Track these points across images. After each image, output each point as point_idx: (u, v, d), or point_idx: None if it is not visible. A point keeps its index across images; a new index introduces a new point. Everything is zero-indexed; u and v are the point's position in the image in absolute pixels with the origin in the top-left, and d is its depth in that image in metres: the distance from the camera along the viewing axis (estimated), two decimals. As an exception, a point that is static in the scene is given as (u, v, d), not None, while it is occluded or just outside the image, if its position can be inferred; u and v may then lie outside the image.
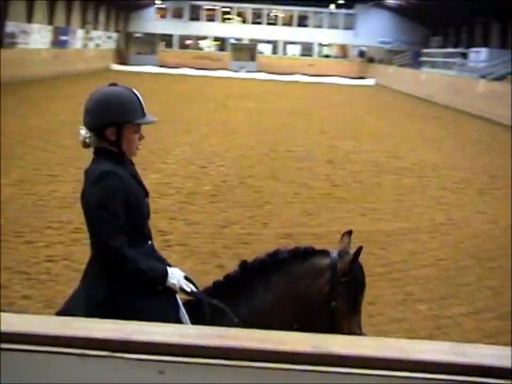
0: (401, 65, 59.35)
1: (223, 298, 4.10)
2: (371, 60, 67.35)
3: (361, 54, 69.53)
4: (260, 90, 42.62)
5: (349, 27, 70.56)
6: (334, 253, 4.17)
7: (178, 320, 3.90)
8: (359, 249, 4.09)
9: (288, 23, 71.69)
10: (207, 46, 72.31)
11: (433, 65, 50.70)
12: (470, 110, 33.22)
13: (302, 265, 4.12)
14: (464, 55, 45.72)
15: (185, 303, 4.14)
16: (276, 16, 72.10)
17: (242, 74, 58.65)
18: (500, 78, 37.69)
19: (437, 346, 2.43)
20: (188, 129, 21.97)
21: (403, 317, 7.87)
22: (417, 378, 2.19)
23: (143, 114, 3.92)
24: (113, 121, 3.80)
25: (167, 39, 70.87)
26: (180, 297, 4.13)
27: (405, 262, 9.89)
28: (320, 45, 71.91)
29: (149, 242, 4.06)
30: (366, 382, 2.09)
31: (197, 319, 3.96)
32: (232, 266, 9.03)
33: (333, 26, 71.07)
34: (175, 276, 3.97)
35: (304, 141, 21.05)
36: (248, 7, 71.26)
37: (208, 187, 13.84)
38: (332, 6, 70.43)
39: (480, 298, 8.65)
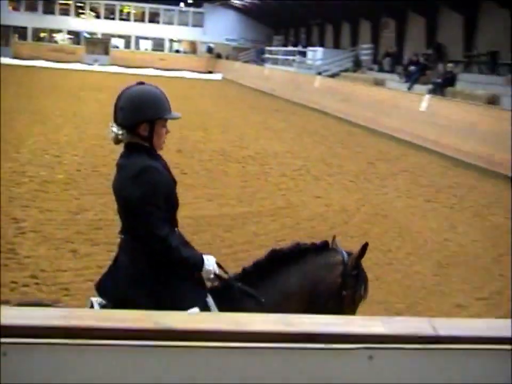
0: (246, 62, 59.88)
1: (252, 283, 4.31)
2: (218, 56, 67.55)
3: (209, 50, 69.58)
4: (113, 82, 41.79)
5: (197, 25, 70.46)
6: (343, 250, 4.62)
7: (206, 305, 4.04)
8: (365, 246, 4.56)
9: (140, 19, 70.92)
10: (62, 39, 70.49)
11: (275, 62, 51.38)
12: (308, 103, 33.97)
13: (319, 259, 4.50)
14: (303, 54, 46.57)
15: (212, 289, 4.27)
16: (129, 12, 71.20)
17: (96, 67, 57.51)
18: (334, 75, 38.85)
19: (267, 317, 2.53)
20: (42, 120, 21.31)
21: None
22: (250, 348, 2.28)
23: (170, 110, 4.10)
24: (147, 118, 3.91)
25: (21, 32, 68.52)
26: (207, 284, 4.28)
27: (249, 243, 10.07)
28: (171, 40, 71.51)
29: (176, 229, 4.14)
30: (204, 354, 2.16)
31: (225, 303, 4.13)
32: (85, 251, 9.06)
33: (183, 23, 70.76)
34: (211, 263, 4.11)
35: (154, 131, 20.90)
36: (101, 3, 70.00)
37: (61, 176, 13.52)
38: (182, 4, 70.22)
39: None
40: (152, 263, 3.89)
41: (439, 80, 25.92)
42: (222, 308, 4.08)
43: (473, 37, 31.10)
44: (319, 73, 39.09)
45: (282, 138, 21.98)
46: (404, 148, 21.88)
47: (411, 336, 2.61)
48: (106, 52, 66.41)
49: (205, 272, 4.09)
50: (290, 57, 47.89)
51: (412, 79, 29.29)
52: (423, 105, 23.77)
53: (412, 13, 36.20)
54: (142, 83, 4.07)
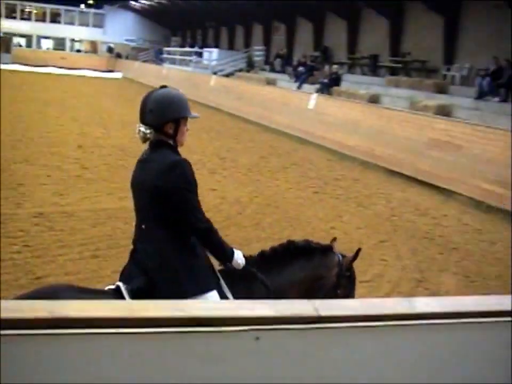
0: (145, 61, 59.22)
1: (265, 267, 4.47)
2: (118, 56, 66.56)
3: (110, 50, 68.47)
4: (15, 81, 40.82)
5: (98, 25, 69.21)
6: (339, 253, 4.89)
7: (221, 288, 4.16)
8: (358, 251, 4.90)
9: (41, 19, 69.18)
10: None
11: (173, 62, 51.02)
12: (205, 101, 33.90)
13: (322, 258, 4.77)
14: (199, 54, 46.49)
15: (221, 271, 4.39)
16: (30, 12, 69.31)
17: (-3, 65, 55.90)
18: (228, 75, 38.94)
19: (160, 304, 2.52)
20: None
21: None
22: (143, 333, 2.26)
23: (190, 110, 4.21)
24: (173, 117, 4.05)
25: None
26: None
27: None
28: (72, 40, 70.10)
29: None
30: (98, 340, 2.13)
31: (235, 286, 4.30)
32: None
33: (84, 24, 69.35)
34: (240, 257, 4.30)
35: (56, 127, 20.42)
36: (2, 2, 67.90)
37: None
38: (82, 6, 68.96)
39: (211, 262, 8.95)
40: (175, 250, 4.01)
41: (326, 80, 26.31)
42: (234, 290, 4.26)
43: (356, 41, 31.75)
44: (215, 73, 39.09)
45: (179, 134, 21.81)
46: (294, 143, 22.15)
47: (295, 317, 2.64)
48: (7, 50, 64.44)
49: (235, 263, 4.26)
50: (187, 58, 47.68)
51: (300, 79, 29.62)
52: (311, 103, 24.09)
53: (301, 18, 36.61)
54: (164, 86, 4.20)
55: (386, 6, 28.16)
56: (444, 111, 19.80)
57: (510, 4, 21.50)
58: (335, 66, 27.75)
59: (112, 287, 4.07)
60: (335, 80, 26.20)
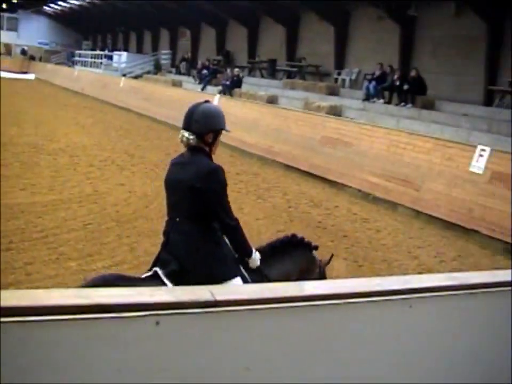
0: (58, 63, 57.82)
1: (269, 255, 4.80)
2: (32, 58, 64.69)
3: (23, 52, 66.45)
4: None
5: (12, 29, 67.21)
6: (317, 257, 5.34)
7: (243, 274, 4.39)
8: (331, 257, 5.50)
9: (-45, 22, 66.70)
10: None
11: (85, 64, 50.00)
12: (114, 101, 33.41)
13: (309, 254, 5.24)
14: (109, 57, 45.74)
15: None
16: None
17: None
18: (137, 77, 38.47)
19: (65, 292, 2.46)
20: None
21: (56, 273, 7.74)
22: (48, 320, 2.20)
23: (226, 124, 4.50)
24: (215, 128, 4.36)
25: None
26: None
27: (58, 228, 9.70)
28: (-14, 43, 67.91)
29: None
30: (7, 331, 2.06)
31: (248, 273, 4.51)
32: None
33: (-2, 27, 67.40)
34: (258, 257, 4.55)
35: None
36: None
37: None
38: (-3, 10, 66.89)
39: (119, 253, 8.80)
40: (206, 241, 4.24)
41: (228, 83, 26.33)
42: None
43: (256, 46, 31.93)
44: (124, 75, 38.53)
45: (90, 132, 21.46)
46: (199, 141, 22.02)
47: (193, 302, 2.62)
48: None
49: (252, 261, 4.50)
50: (98, 60, 46.87)
51: (204, 81, 29.56)
52: (215, 103, 24.03)
53: (205, 24, 36.54)
54: (207, 101, 4.55)
55: (283, 15, 28.44)
56: (335, 111, 20.16)
57: (391, 16, 22.06)
58: (236, 69, 27.80)
59: (149, 273, 4.28)
60: (237, 83, 26.26)
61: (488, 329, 3.55)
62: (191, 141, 4.33)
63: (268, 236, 10.62)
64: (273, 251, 4.91)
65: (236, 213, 11.86)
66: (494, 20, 18.60)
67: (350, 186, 15.15)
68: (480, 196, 12.07)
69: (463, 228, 12.03)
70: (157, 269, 4.24)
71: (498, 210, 11.62)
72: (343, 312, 2.94)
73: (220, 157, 18.79)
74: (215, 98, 24.32)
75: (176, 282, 3.99)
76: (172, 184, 4.39)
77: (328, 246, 10.45)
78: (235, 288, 2.88)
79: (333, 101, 21.84)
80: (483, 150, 12.45)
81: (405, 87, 19.65)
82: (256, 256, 4.53)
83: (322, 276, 5.29)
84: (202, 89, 28.65)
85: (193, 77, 32.22)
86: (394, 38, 22.41)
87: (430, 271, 9.59)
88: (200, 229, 4.25)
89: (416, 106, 19.37)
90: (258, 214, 12.18)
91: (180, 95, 27.50)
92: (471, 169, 12.45)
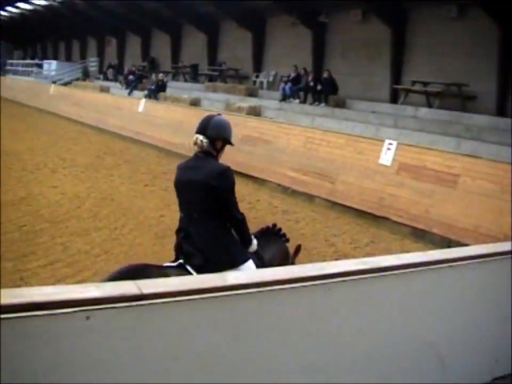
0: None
1: (263, 244, 5.12)
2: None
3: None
4: None
5: None
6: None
7: (252, 257, 4.67)
8: (300, 247, 5.82)
9: None
10: None
11: (16, 73, 48.71)
12: (45, 108, 32.67)
13: (285, 246, 5.65)
14: (40, 66, 44.63)
15: None
16: None
17: None
18: (66, 83, 37.64)
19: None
20: None
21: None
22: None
23: None
24: (225, 137, 4.62)
25: None
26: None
27: (-6, 230, 9.45)
28: None
29: None
30: None
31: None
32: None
33: None
34: (255, 244, 4.84)
35: None
36: None
37: None
38: None
39: (53, 252, 8.60)
40: (221, 232, 4.52)
41: (153, 87, 26.02)
42: None
43: (179, 52, 31.72)
44: (54, 82, 37.65)
45: (23, 138, 20.88)
46: (127, 143, 21.75)
47: (120, 296, 2.58)
48: None
49: (252, 246, 4.80)
50: (29, 69, 45.74)
51: (131, 86, 29.13)
52: (141, 107, 23.80)
53: (130, 33, 36.09)
54: (220, 114, 4.77)
55: (204, 23, 28.33)
56: (254, 112, 20.22)
57: (303, 23, 22.28)
58: (161, 74, 27.51)
59: (173, 264, 4.52)
60: (161, 87, 26.00)
61: (401, 311, 3.63)
62: (205, 143, 4.54)
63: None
64: (262, 238, 5.21)
65: (163, 210, 11.78)
66: (397, 24, 19.03)
67: (271, 181, 15.24)
68: (389, 186, 12.33)
69: (375, 216, 12.27)
70: (181, 261, 4.51)
71: (406, 198, 11.91)
72: (265, 299, 2.95)
73: (148, 157, 18.68)
74: (141, 102, 24.06)
75: (203, 272, 4.18)
76: (184, 185, 4.58)
77: (252, 238, 10.49)
78: (161, 281, 2.85)
79: (252, 102, 21.90)
80: (390, 143, 12.72)
81: (318, 87, 19.89)
82: (255, 242, 4.84)
83: (292, 263, 5.64)
84: (129, 94, 28.25)
85: (120, 82, 31.73)
86: (307, 43, 22.64)
87: (346, 256, 9.73)
88: (215, 223, 4.51)
89: (329, 105, 19.63)
90: (184, 210, 12.10)
91: (108, 100, 27.10)
92: (380, 161, 12.70)
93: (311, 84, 20.35)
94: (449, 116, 16.37)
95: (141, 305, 2.62)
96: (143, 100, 24.30)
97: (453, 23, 17.49)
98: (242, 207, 12.97)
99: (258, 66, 25.80)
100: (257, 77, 25.72)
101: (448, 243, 10.56)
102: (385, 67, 19.57)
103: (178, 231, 4.62)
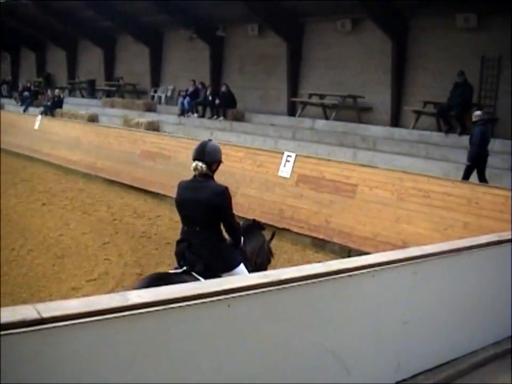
0: None
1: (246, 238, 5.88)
2: None
3: None
4: None
5: None
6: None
7: (241, 259, 5.45)
8: (274, 233, 7.01)
9: None
10: None
11: None
12: None
13: (262, 235, 6.55)
14: None
15: None
16: None
17: None
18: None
19: None
20: None
21: None
22: None
23: None
24: (219, 160, 5.27)
25: None
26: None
27: None
28: None
29: None
30: None
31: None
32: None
33: None
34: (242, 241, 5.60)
35: None
36: None
37: None
38: None
39: None
40: (220, 241, 5.24)
41: (49, 103, 25.35)
42: None
43: (75, 68, 31.06)
44: None
45: None
46: (23, 161, 21.03)
47: (20, 321, 2.51)
48: None
49: (240, 245, 5.56)
50: None
51: (26, 103, 28.27)
52: (37, 124, 23.14)
53: (24, 48, 35.05)
54: (210, 140, 5.41)
55: (100, 37, 27.91)
56: (153, 127, 20.10)
57: (201, 37, 22.37)
58: (57, 90, 26.83)
59: (178, 270, 5.17)
60: (58, 103, 25.36)
61: (302, 322, 3.69)
62: (204, 168, 5.14)
63: (95, 249, 10.43)
64: (244, 233, 5.80)
65: (63, 229, 11.51)
66: (293, 39, 19.37)
67: (171, 197, 15.13)
68: (289, 198, 12.52)
69: (276, 227, 12.42)
70: (185, 268, 5.14)
71: (306, 209, 12.12)
72: (165, 318, 2.93)
73: (45, 175, 18.15)
74: (37, 119, 23.40)
75: (205, 277, 4.81)
76: (187, 203, 5.19)
77: (153, 254, 10.41)
78: (61, 304, 2.78)
79: (151, 117, 21.74)
80: (289, 156, 12.93)
81: (217, 101, 20.00)
82: (242, 241, 5.59)
83: (270, 249, 6.61)
84: (25, 111, 27.38)
85: (15, 99, 30.76)
86: (205, 57, 22.72)
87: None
88: (215, 234, 5.20)
89: (228, 118, 19.78)
90: (84, 228, 11.87)
91: (3, 118, 26.14)
92: (280, 173, 12.89)
93: (210, 98, 20.44)
94: (346, 127, 16.86)
95: (41, 329, 2.56)
96: (39, 117, 23.62)
97: (347, 37, 18.04)
98: (143, 223, 12.91)
99: (156, 81, 25.66)
100: (155, 91, 25.57)
101: (349, 252, 10.85)
102: (282, 80, 19.92)
103: (179, 241, 5.31)
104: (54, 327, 2.57)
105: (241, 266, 5.31)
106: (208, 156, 5.18)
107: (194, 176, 5.21)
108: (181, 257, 5.25)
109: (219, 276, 4.77)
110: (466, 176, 11.36)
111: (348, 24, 17.86)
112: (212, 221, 5.16)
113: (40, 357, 2.55)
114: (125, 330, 2.81)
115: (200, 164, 5.14)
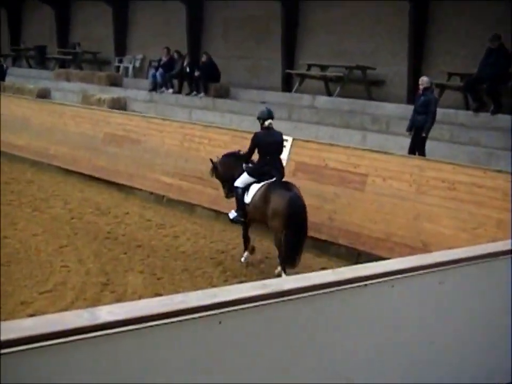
0: None
1: None
2: None
3: None
4: None
5: None
6: None
7: None
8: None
9: None
10: None
11: None
12: None
13: None
14: None
15: None
16: None
17: None
18: None
19: None
20: None
21: None
22: None
23: None
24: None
25: None
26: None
27: None
28: None
29: None
30: None
31: None
32: None
33: None
34: None
35: None
36: None
37: None
38: None
39: None
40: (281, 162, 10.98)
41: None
42: None
43: (20, 31, 30.94)
44: None
45: None
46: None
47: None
48: None
49: None
50: None
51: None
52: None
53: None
54: (264, 102, 10.31)
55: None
56: (118, 105, 20.06)
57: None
58: (-1, 59, 26.78)
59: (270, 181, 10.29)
60: (0, 74, 25.27)
61: (309, 337, 3.69)
62: (272, 122, 10.44)
63: (49, 253, 10.40)
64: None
65: (8, 230, 11.51)
66: (288, -2, 19.40)
67: (141, 189, 15.13)
68: (285, 191, 12.50)
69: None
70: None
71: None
72: (143, 338, 2.92)
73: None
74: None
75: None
76: (268, 144, 10.16)
77: (120, 259, 10.40)
78: (18, 324, 2.76)
79: (116, 92, 21.71)
80: (285, 140, 12.91)
81: (196, 74, 19.94)
82: None
83: None
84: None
85: None
86: (181, 20, 22.66)
87: (236, 277, 9.83)
88: (279, 158, 10.44)
89: (210, 95, 19.74)
90: (35, 229, 11.83)
91: None
92: (273, 161, 12.87)
93: (187, 69, 20.37)
94: (353, 105, 16.87)
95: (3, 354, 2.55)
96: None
97: (353, -4, 18.04)
98: (107, 221, 12.90)
99: (121, 48, 25.62)
100: (120, 61, 25.54)
101: (357, 256, 10.87)
102: (275, 48, 19.91)
103: (258, 168, 10.27)
104: (6, 353, 2.55)
105: None
106: (271, 114, 10.46)
107: (267, 127, 10.31)
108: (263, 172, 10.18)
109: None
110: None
111: (355, -20, 17.87)
112: (280, 152, 10.47)
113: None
114: (95, 354, 2.80)
115: (270, 120, 10.34)
